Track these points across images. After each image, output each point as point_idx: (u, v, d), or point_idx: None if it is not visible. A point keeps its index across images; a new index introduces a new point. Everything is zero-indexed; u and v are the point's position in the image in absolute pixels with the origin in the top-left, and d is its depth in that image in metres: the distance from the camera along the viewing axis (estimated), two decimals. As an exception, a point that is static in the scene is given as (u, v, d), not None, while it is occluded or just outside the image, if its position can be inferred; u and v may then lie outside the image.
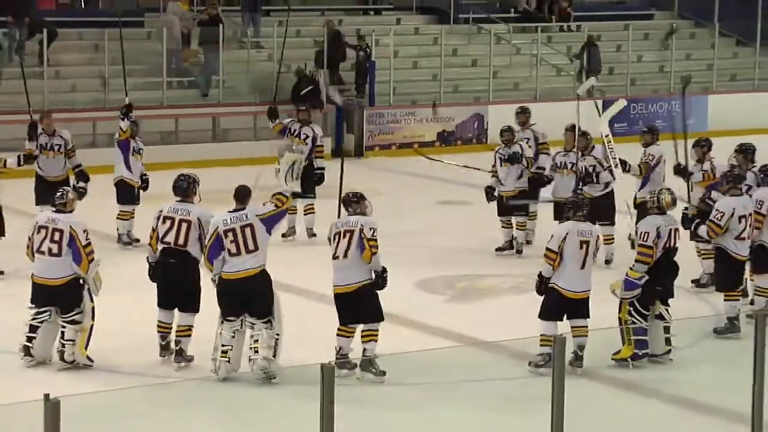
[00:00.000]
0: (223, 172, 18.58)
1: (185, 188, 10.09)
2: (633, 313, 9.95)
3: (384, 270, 9.58)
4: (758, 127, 21.90)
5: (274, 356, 9.36)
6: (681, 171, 12.06)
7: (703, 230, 10.91)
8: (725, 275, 10.97)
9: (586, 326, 9.82)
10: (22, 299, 10.08)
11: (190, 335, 9.94)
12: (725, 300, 10.89)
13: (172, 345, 9.99)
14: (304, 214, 14.38)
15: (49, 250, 9.73)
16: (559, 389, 6.17)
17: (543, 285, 9.91)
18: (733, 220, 10.72)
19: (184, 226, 9.85)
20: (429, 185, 14.82)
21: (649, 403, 9.55)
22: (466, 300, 12.35)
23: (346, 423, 6.21)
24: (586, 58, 23.23)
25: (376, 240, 9.53)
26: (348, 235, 9.57)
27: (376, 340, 9.54)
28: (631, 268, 10.01)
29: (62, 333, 9.76)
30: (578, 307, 9.83)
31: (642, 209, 11.82)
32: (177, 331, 9.96)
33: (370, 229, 9.57)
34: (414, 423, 8.81)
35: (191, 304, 9.91)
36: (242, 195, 9.71)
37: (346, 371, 9.52)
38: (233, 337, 9.49)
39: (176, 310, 9.95)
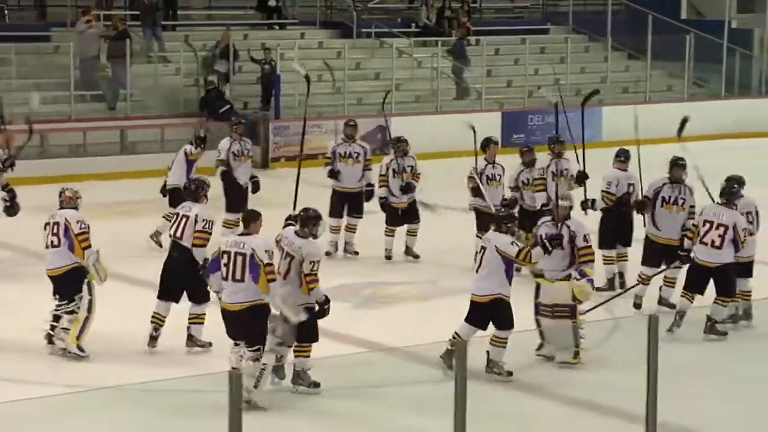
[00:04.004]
0: (131, 184, 18.87)
1: (193, 191, 10.78)
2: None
3: (327, 300, 9.42)
4: (650, 138, 22.58)
5: (256, 387, 9.12)
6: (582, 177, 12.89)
7: (689, 223, 11.62)
8: (688, 276, 11.33)
9: (500, 337, 9.89)
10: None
11: (199, 323, 10.47)
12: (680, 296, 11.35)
13: (190, 333, 10.52)
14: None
15: (52, 242, 10.41)
16: (461, 392, 6.16)
17: None
18: (700, 221, 11.15)
19: (183, 220, 10.53)
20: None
21: (548, 405, 9.67)
22: (371, 307, 12.49)
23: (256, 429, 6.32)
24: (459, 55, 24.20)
25: (315, 274, 9.30)
26: (289, 258, 9.40)
27: (307, 357, 9.48)
28: (584, 268, 10.27)
29: (58, 318, 10.37)
30: (486, 314, 9.91)
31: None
32: (188, 319, 10.52)
33: (311, 263, 9.32)
34: (322, 428, 9.01)
35: (196, 294, 10.40)
36: (246, 220, 9.54)
37: (304, 388, 9.48)
38: (240, 361, 9.33)
39: (188, 299, 10.55)
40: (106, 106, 21.18)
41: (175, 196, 14.44)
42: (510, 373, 9.87)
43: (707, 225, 11.05)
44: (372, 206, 14.49)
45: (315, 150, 21.37)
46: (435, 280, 13.48)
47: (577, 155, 13.12)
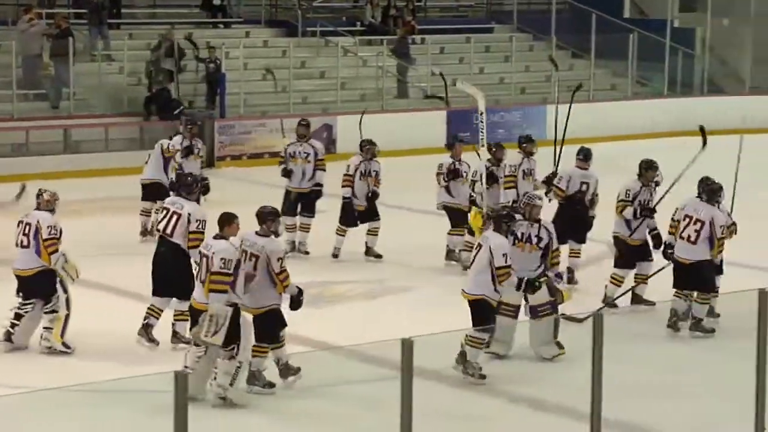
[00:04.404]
0: (75, 183, 18.73)
1: (189, 183, 10.71)
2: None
3: (300, 292, 9.54)
4: (594, 136, 22.78)
5: (231, 384, 9.08)
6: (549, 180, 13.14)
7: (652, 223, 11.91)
8: (673, 273, 11.32)
9: (476, 337, 9.82)
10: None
11: (184, 320, 10.20)
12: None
13: (175, 330, 10.52)
14: None
15: (21, 242, 10.40)
16: (407, 390, 6.23)
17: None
18: (681, 215, 11.17)
19: (174, 217, 10.43)
20: (281, 195, 15.09)
21: (495, 403, 9.68)
22: (316, 306, 12.33)
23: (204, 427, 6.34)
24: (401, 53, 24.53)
25: (284, 270, 9.37)
26: (254, 259, 9.37)
27: (264, 357, 9.44)
28: (558, 270, 10.50)
29: (20, 317, 10.41)
30: (473, 312, 9.96)
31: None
32: (173, 315, 10.51)
33: (278, 259, 9.35)
34: (269, 426, 9.04)
35: (182, 292, 10.23)
36: (221, 222, 9.43)
37: (258, 388, 9.41)
38: (197, 361, 9.26)
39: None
40: (49, 105, 21.04)
41: (151, 190, 14.60)
42: (483, 376, 9.79)
43: (687, 219, 11.13)
44: (323, 205, 14.50)
45: (259, 149, 21.44)
46: (383, 279, 13.50)
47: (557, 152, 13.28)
